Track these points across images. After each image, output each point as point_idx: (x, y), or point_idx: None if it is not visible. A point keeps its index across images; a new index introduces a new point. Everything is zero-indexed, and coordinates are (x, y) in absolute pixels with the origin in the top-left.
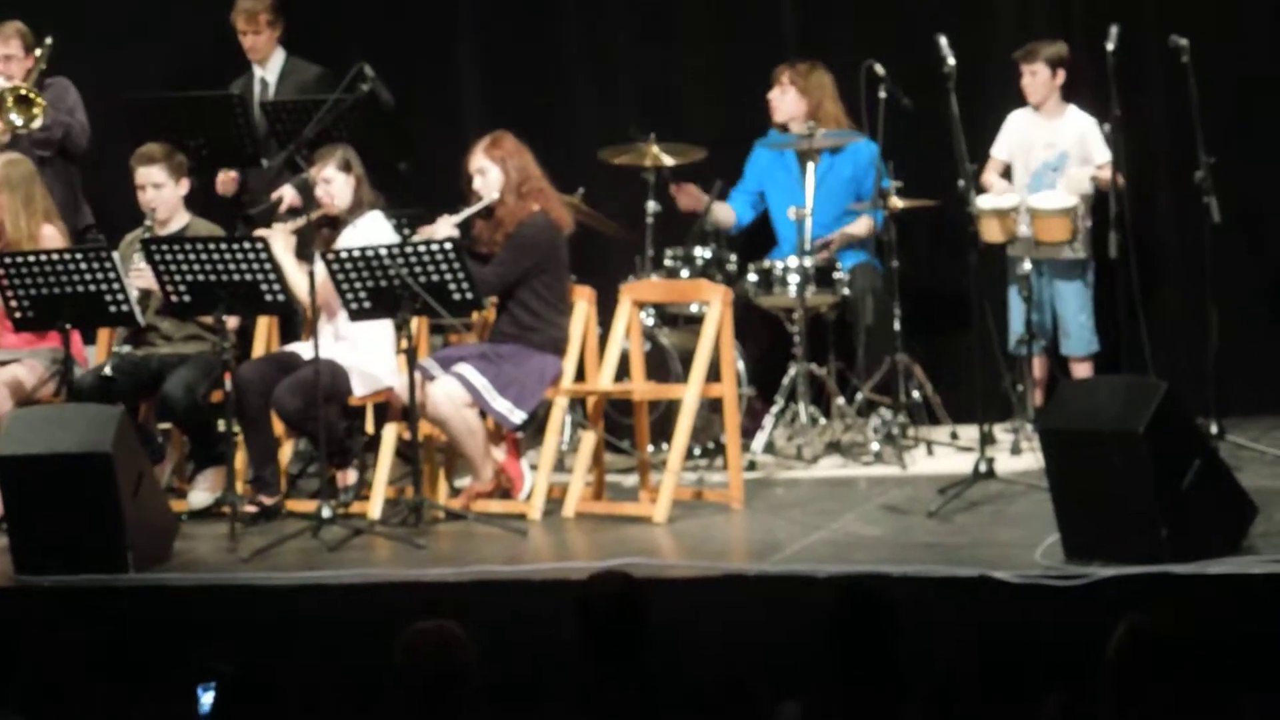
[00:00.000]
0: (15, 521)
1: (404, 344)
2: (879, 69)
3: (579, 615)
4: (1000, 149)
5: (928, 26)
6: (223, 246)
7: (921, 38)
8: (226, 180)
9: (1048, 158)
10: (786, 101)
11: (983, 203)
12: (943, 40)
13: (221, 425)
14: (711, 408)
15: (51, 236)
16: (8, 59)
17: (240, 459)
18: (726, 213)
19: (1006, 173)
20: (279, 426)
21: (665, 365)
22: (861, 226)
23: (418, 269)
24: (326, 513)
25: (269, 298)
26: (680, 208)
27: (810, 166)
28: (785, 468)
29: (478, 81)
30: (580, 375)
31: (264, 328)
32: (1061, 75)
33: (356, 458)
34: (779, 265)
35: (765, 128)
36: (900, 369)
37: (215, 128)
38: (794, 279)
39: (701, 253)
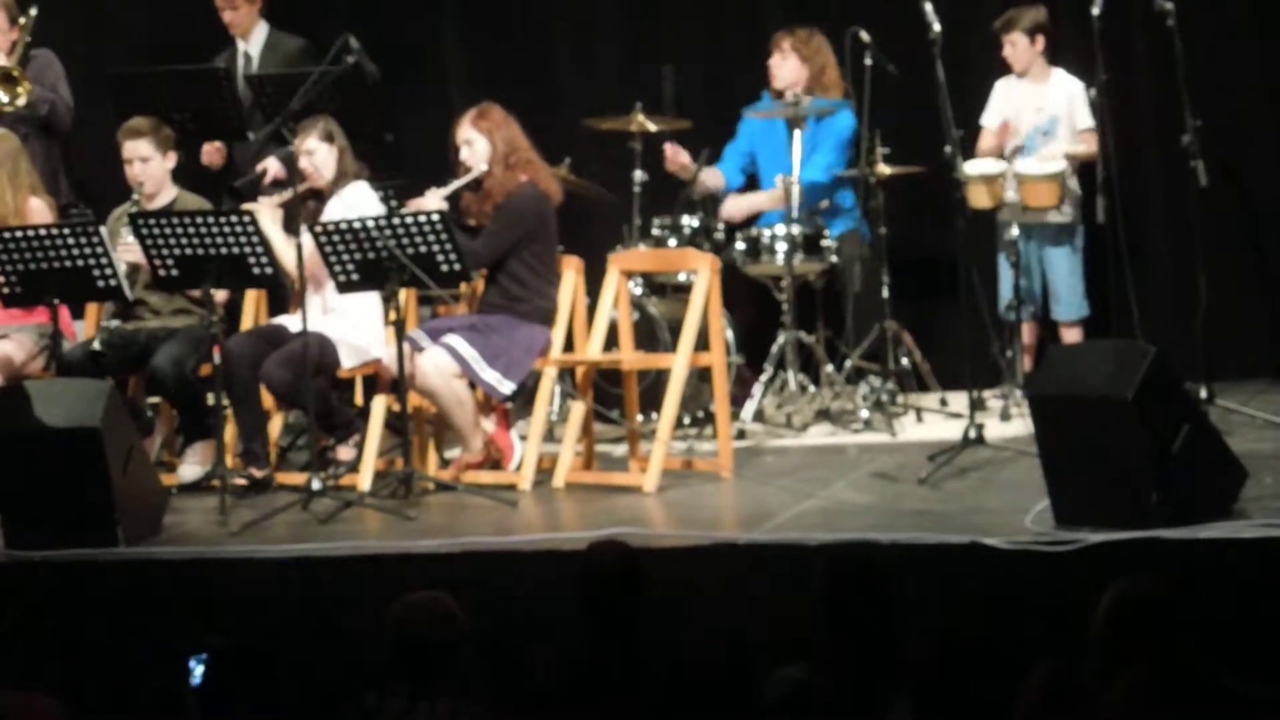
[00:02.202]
0: (5, 497)
1: (392, 316)
2: (864, 36)
3: (580, 584)
4: (990, 118)
5: None
6: (210, 220)
7: (906, 4)
8: (212, 151)
9: (1038, 122)
10: (787, 68)
11: (970, 168)
12: (928, 6)
13: (210, 399)
14: (700, 377)
15: (39, 209)
16: None
17: (229, 432)
18: (715, 177)
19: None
20: (268, 399)
21: (654, 334)
22: (772, 198)
23: (405, 241)
24: (316, 485)
25: (256, 271)
26: (666, 167)
27: (798, 133)
28: (775, 436)
29: (462, 51)
30: (569, 345)
31: (252, 301)
32: (1041, 41)
33: (358, 432)
34: (766, 233)
35: (751, 95)
36: (889, 336)
37: (200, 101)
38: (781, 247)
39: (689, 221)
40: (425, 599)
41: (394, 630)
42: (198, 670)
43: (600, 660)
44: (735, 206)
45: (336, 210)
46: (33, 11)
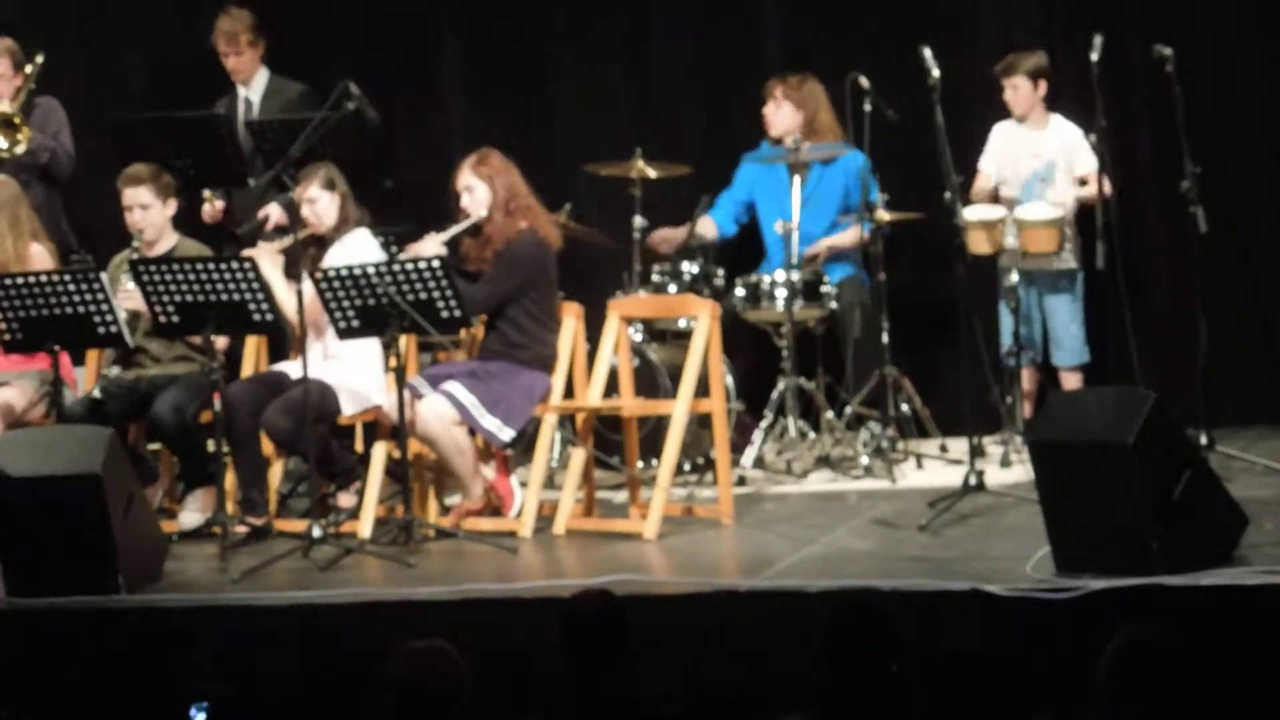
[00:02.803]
0: (5, 544)
1: (392, 362)
2: (864, 81)
3: (562, 634)
4: (987, 162)
5: (911, 38)
6: (210, 266)
7: (905, 50)
8: (214, 211)
9: (1036, 167)
10: (782, 115)
11: (970, 214)
12: (927, 52)
13: (211, 446)
14: (700, 423)
15: (40, 255)
16: None
17: (230, 479)
18: (709, 227)
19: (994, 194)
20: (268, 446)
21: (654, 381)
22: (849, 238)
23: (405, 287)
24: (317, 532)
25: (257, 317)
26: (658, 250)
27: (797, 180)
28: (775, 482)
29: (462, 98)
30: (569, 392)
31: (252, 347)
32: (1043, 86)
33: (359, 479)
34: (766, 279)
35: (750, 141)
36: (889, 382)
37: (201, 148)
38: (781, 293)
39: (689, 268)
40: (426, 647)
41: (395, 679)
42: (199, 718)
43: (590, 710)
44: (814, 247)
45: (338, 257)
46: (39, 59)
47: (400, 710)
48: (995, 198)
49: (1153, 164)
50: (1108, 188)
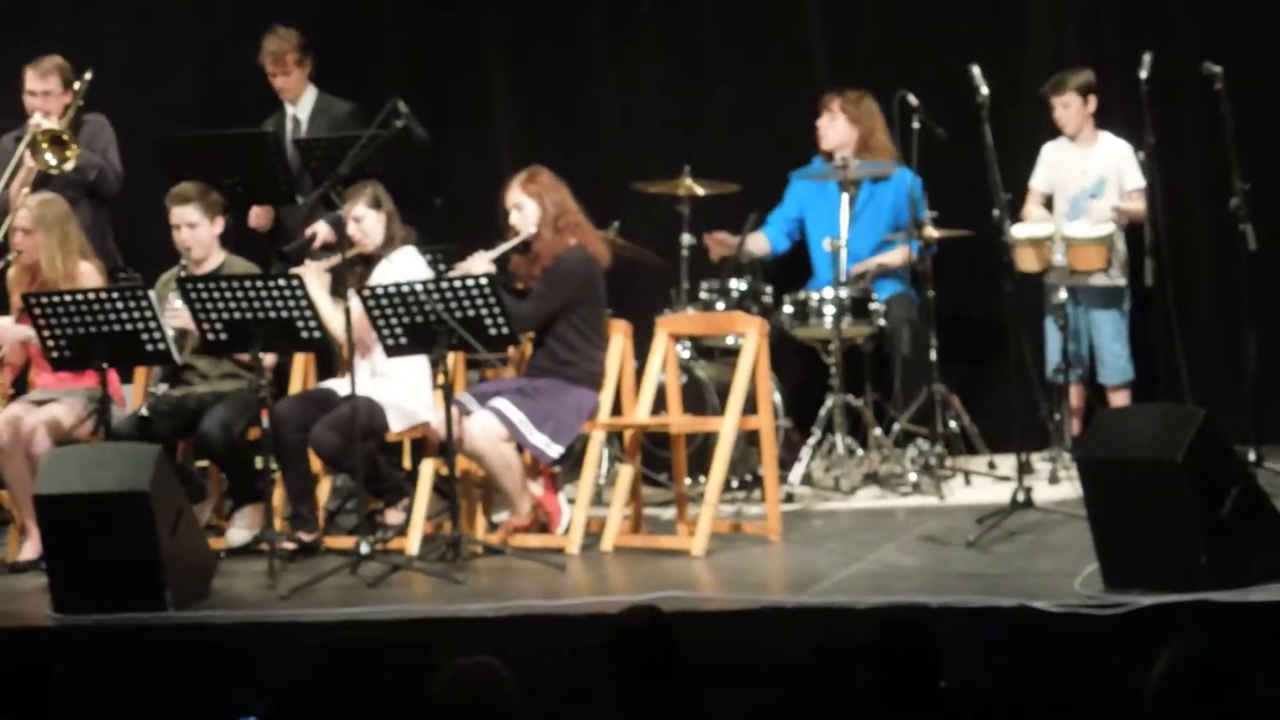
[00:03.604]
0: (54, 560)
1: (440, 379)
2: (912, 99)
3: (610, 652)
4: (1039, 181)
5: (960, 56)
6: (258, 284)
7: (954, 68)
8: (260, 214)
9: (1085, 184)
10: (836, 129)
11: (1018, 232)
12: (975, 70)
13: (259, 463)
14: (748, 440)
15: (89, 274)
16: (46, 94)
17: (278, 496)
18: (761, 242)
19: (1048, 203)
20: (316, 463)
21: (702, 398)
22: (898, 256)
23: (453, 304)
24: (365, 549)
25: (305, 335)
26: (712, 257)
27: (845, 197)
28: (823, 499)
29: (511, 115)
30: (617, 409)
31: (300, 365)
32: (1093, 102)
33: (406, 496)
34: (814, 296)
35: (799, 159)
36: (937, 399)
37: (249, 166)
38: (829, 310)
39: (737, 285)
40: (474, 664)
41: (443, 695)
42: None
43: None
44: (863, 265)
45: (385, 274)
46: (88, 75)
47: None
48: (1047, 206)
49: (1202, 181)
50: (1154, 206)
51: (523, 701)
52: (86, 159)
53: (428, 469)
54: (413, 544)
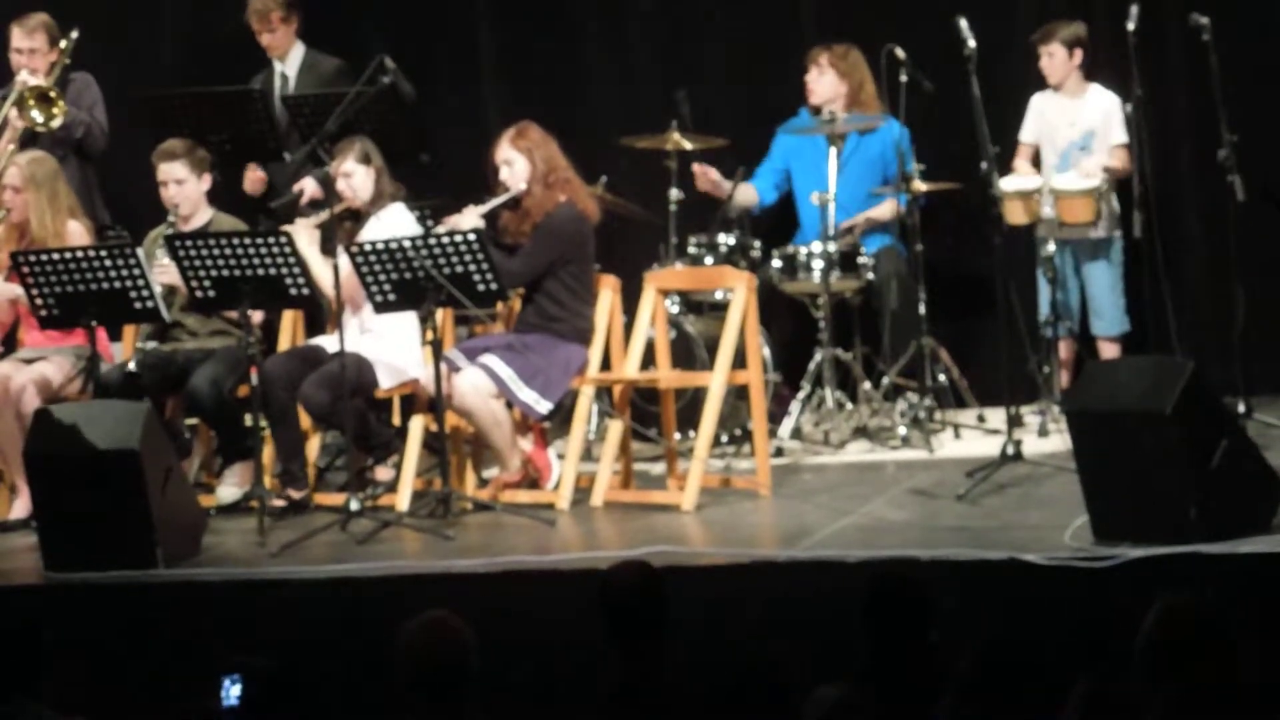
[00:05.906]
0: (44, 518)
1: (429, 335)
2: (900, 52)
3: (601, 606)
4: (1027, 133)
5: (947, 8)
6: (246, 241)
7: (940, 20)
8: (255, 180)
9: (1074, 137)
10: (825, 83)
11: (1006, 185)
12: (963, 22)
13: (248, 420)
14: (738, 395)
15: (77, 232)
16: (32, 52)
17: (267, 453)
18: (749, 194)
19: (1036, 158)
20: (305, 420)
21: (691, 353)
22: (886, 210)
23: (442, 260)
24: (355, 505)
25: (293, 292)
26: (697, 187)
27: (833, 151)
28: (812, 453)
29: (498, 71)
30: (606, 364)
31: (289, 322)
32: (1079, 55)
33: (396, 452)
34: (803, 250)
35: (786, 113)
36: (926, 353)
37: (237, 123)
38: (818, 264)
39: (725, 239)
40: (430, 620)
41: (401, 652)
42: (233, 690)
43: (628, 682)
44: (851, 220)
45: (374, 231)
46: (74, 34)
47: (410, 688)
48: (1037, 165)
49: (1190, 133)
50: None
51: (512, 656)
52: (73, 116)
53: (417, 425)
54: (403, 500)
